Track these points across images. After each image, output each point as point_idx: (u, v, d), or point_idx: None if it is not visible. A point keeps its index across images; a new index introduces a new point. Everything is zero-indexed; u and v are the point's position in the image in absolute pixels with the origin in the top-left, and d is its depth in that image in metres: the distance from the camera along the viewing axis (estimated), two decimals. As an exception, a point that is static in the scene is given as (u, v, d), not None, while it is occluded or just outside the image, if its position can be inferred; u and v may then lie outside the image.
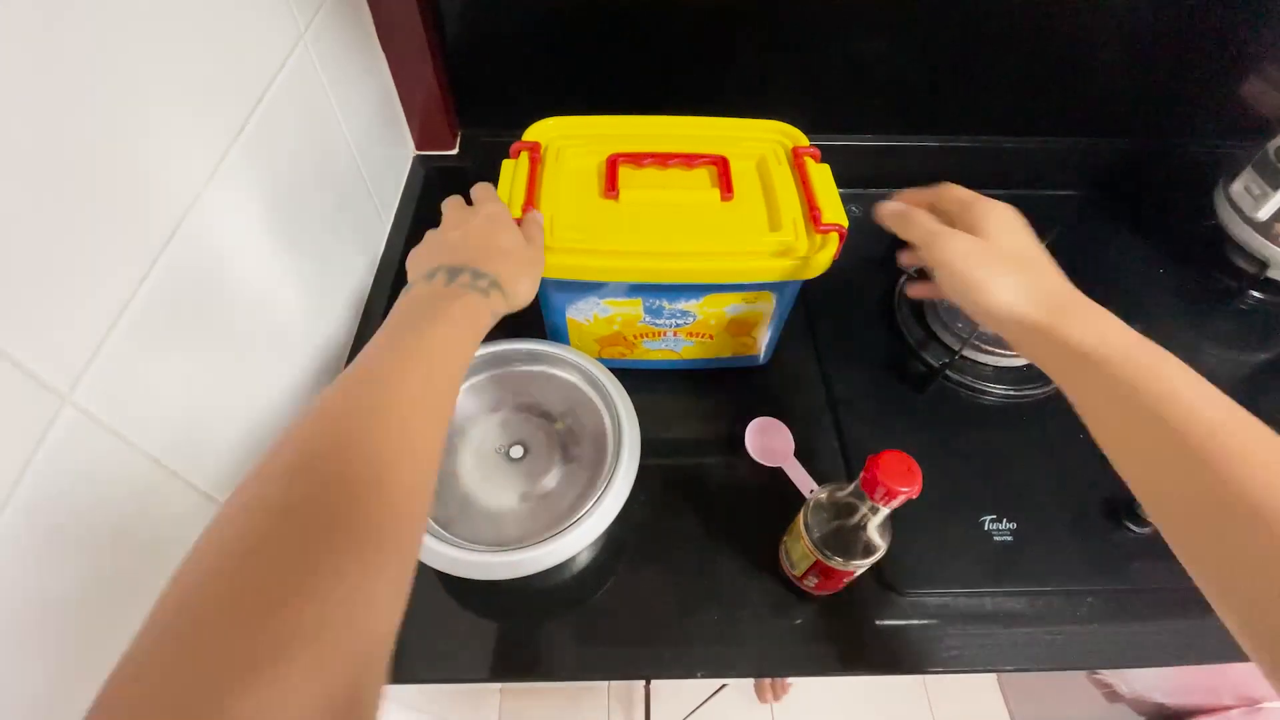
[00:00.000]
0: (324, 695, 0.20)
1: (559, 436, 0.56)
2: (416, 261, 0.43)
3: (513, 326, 0.66)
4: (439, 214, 0.46)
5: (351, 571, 0.23)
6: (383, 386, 0.31)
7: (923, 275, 0.48)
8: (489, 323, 0.39)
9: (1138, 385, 0.34)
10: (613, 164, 0.55)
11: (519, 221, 0.49)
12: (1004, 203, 0.43)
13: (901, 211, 0.46)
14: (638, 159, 0.56)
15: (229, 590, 0.22)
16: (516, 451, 0.55)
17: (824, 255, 0.51)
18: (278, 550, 0.23)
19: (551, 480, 0.53)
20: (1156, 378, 0.34)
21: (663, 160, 0.56)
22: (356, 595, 0.23)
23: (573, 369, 0.56)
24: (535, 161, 0.57)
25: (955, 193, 0.45)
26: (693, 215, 0.54)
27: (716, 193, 0.55)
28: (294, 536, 0.23)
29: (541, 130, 0.60)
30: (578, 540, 0.46)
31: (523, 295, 0.43)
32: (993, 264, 0.40)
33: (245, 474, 0.26)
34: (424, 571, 0.47)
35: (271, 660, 0.20)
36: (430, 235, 0.44)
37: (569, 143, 0.59)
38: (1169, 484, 0.33)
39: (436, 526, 0.48)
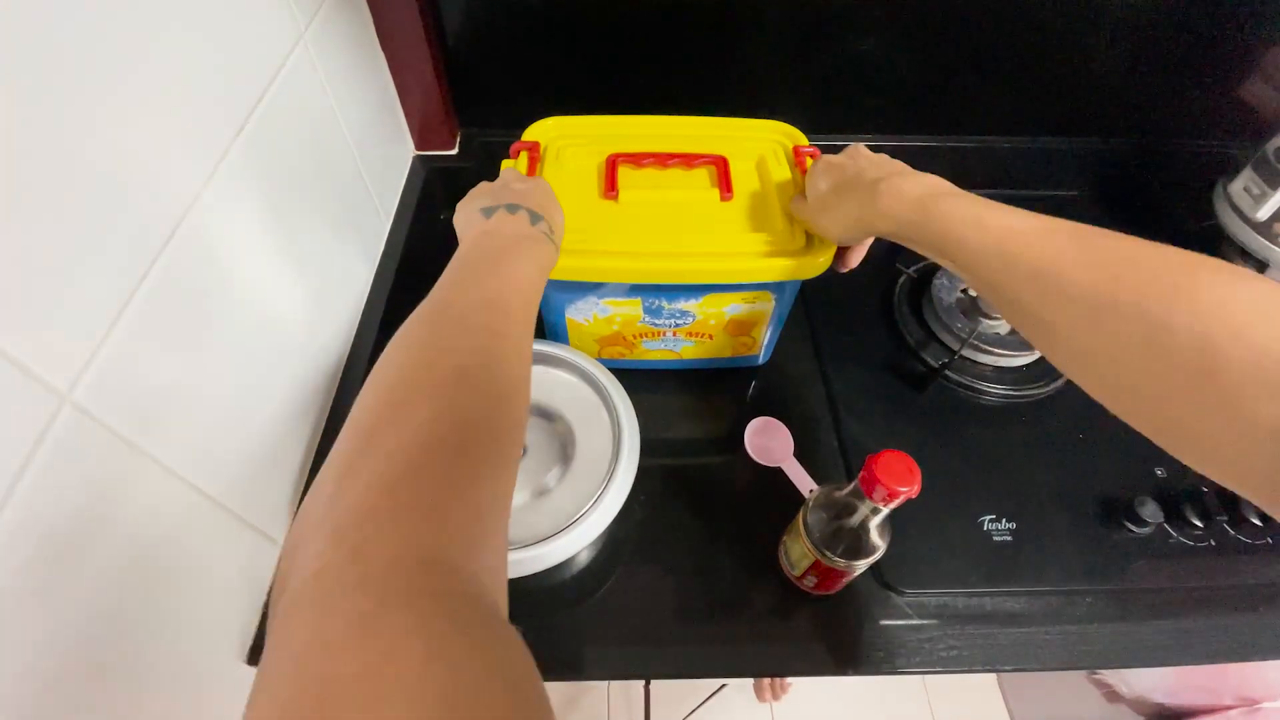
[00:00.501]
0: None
1: (559, 436, 0.56)
2: (470, 203, 0.44)
3: (512, 326, 0.66)
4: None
5: (501, 477, 0.28)
6: (501, 314, 0.34)
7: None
8: (547, 267, 0.42)
9: (950, 242, 0.38)
10: (612, 164, 0.55)
11: None
12: (818, 158, 0.52)
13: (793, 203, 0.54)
14: (637, 159, 0.56)
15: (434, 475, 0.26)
16: (531, 451, 0.55)
17: (823, 256, 0.51)
18: (451, 460, 0.26)
19: (551, 480, 0.53)
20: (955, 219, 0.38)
21: (662, 160, 0.56)
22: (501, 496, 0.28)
23: (572, 369, 0.56)
24: (534, 161, 0.57)
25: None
26: (692, 215, 0.54)
27: (716, 193, 0.55)
28: (461, 450, 0.27)
29: (541, 130, 0.60)
30: (578, 540, 0.46)
31: (556, 254, 0.45)
32: (818, 212, 0.49)
33: (394, 373, 0.30)
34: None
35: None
36: (482, 184, 0.47)
37: (569, 143, 0.59)
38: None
39: None
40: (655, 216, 0.54)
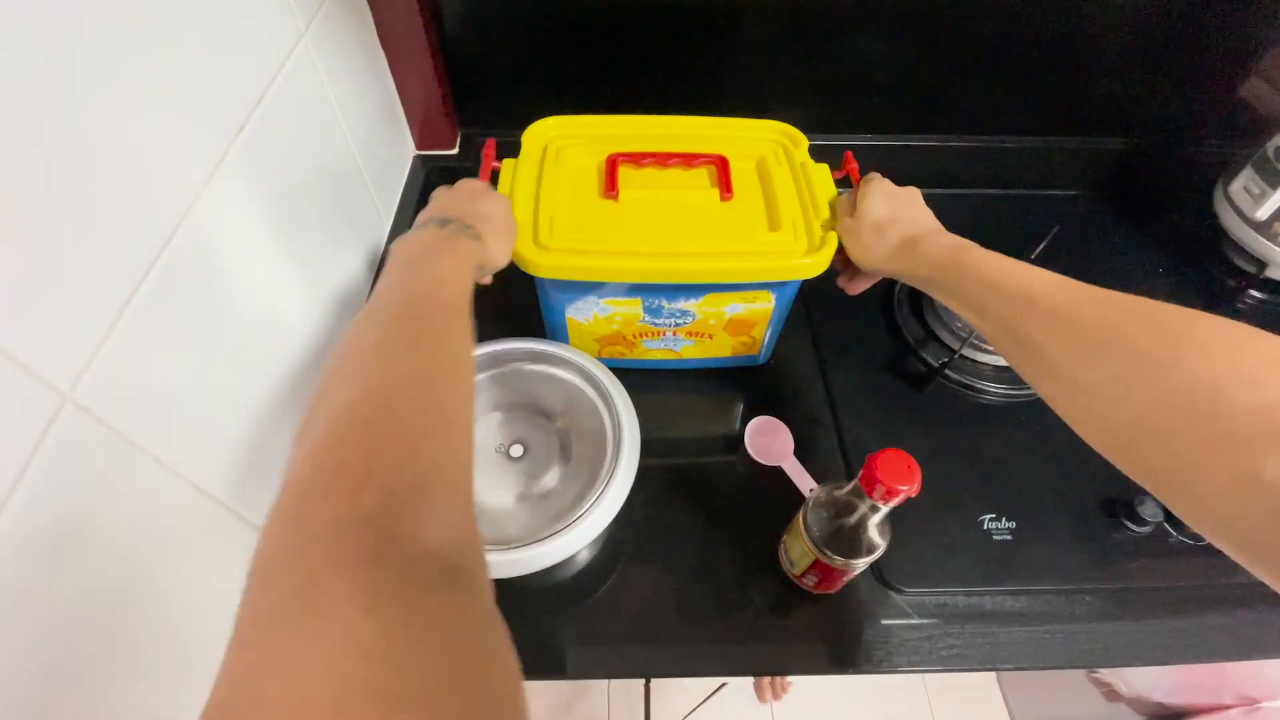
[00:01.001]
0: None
1: (559, 436, 0.56)
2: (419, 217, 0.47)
3: (512, 326, 0.66)
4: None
5: (448, 445, 0.29)
6: (422, 303, 0.36)
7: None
8: (476, 265, 0.43)
9: (989, 287, 0.40)
10: (612, 164, 0.55)
11: None
12: (875, 178, 0.53)
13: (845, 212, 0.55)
14: (637, 159, 0.56)
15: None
16: (516, 450, 0.55)
17: (823, 255, 0.51)
18: (385, 428, 0.27)
19: (551, 479, 0.53)
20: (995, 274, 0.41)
21: (662, 160, 0.56)
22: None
23: (572, 368, 0.56)
24: (487, 169, 0.57)
25: (842, 200, 0.56)
26: (692, 215, 0.54)
27: (716, 192, 0.55)
28: (394, 418, 0.28)
29: (541, 130, 0.60)
30: (578, 539, 0.46)
31: (500, 256, 0.47)
32: (860, 237, 0.50)
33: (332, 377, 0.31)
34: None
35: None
36: (438, 190, 0.50)
37: (569, 143, 0.59)
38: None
39: None
40: (655, 216, 0.54)
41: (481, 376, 0.57)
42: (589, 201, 0.55)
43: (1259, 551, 0.26)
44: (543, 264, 0.51)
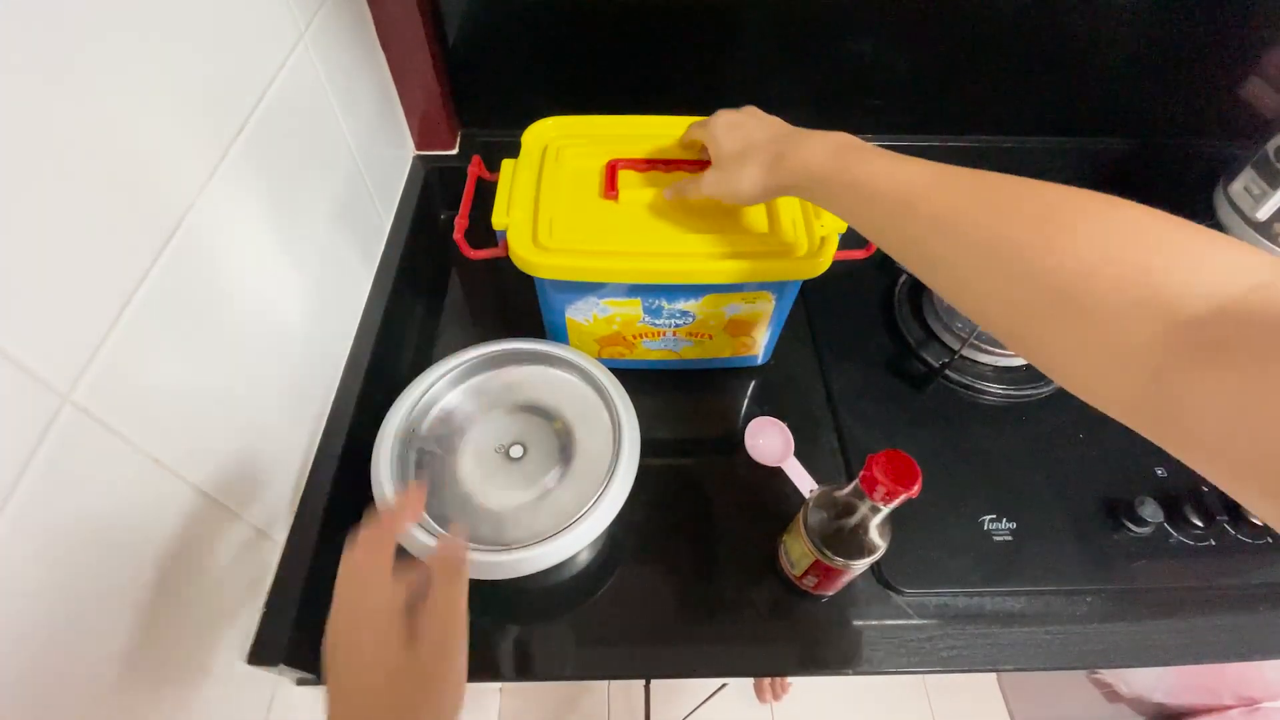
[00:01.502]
0: None
1: (559, 436, 0.56)
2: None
3: (512, 326, 0.66)
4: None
5: None
6: None
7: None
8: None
9: (874, 194, 0.39)
10: (612, 169, 0.55)
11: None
12: (717, 114, 0.51)
13: (680, 190, 0.54)
14: (638, 165, 0.56)
15: None
16: (516, 451, 0.55)
17: (823, 256, 0.51)
18: None
19: (551, 480, 0.53)
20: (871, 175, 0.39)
21: (666, 167, 0.56)
22: None
23: (572, 369, 0.56)
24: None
25: (689, 137, 0.55)
26: (692, 216, 0.54)
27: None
28: None
29: (541, 130, 0.60)
30: (578, 540, 0.46)
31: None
32: (730, 172, 0.48)
33: None
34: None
35: None
36: (333, 672, 0.32)
37: (569, 143, 0.59)
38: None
39: (435, 526, 0.48)
40: (655, 217, 0.54)
41: (482, 376, 0.57)
42: (589, 202, 0.55)
43: (1139, 418, 0.28)
44: (542, 264, 0.51)
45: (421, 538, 0.46)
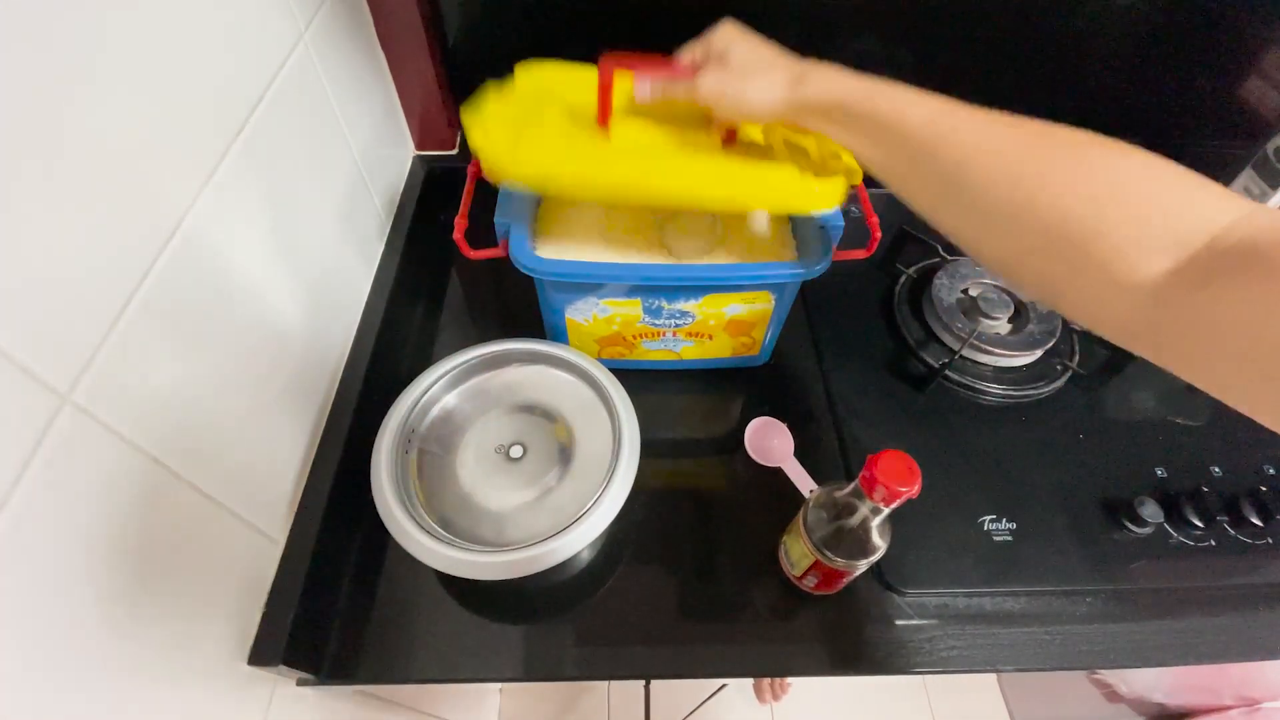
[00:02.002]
0: None
1: (558, 436, 0.56)
2: None
3: (512, 326, 0.66)
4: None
5: None
6: None
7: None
8: None
9: (889, 124, 0.40)
10: (607, 75, 0.47)
11: None
12: (723, 22, 0.48)
13: (658, 89, 0.49)
14: (635, 63, 0.48)
15: None
16: (516, 451, 0.55)
17: (833, 186, 0.47)
18: None
19: (551, 480, 0.53)
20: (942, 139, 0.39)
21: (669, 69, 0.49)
22: None
23: (572, 369, 0.56)
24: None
25: (690, 52, 0.50)
26: (691, 155, 0.50)
27: (718, 137, 0.52)
28: None
29: (539, 74, 0.54)
30: (578, 540, 0.46)
31: None
32: (738, 80, 0.45)
33: None
34: (424, 571, 0.47)
35: None
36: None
37: (568, 90, 0.53)
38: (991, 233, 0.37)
39: (436, 526, 0.48)
40: (650, 150, 0.50)
41: (482, 377, 0.57)
42: (579, 135, 0.50)
43: (1142, 341, 0.31)
44: (521, 174, 0.46)
45: (421, 538, 0.46)
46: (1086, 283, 0.32)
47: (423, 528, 0.47)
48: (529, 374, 0.58)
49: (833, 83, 0.42)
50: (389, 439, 0.51)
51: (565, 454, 0.55)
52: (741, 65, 0.45)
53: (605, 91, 0.48)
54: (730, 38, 0.47)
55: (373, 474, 0.49)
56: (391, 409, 0.53)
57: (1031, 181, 0.34)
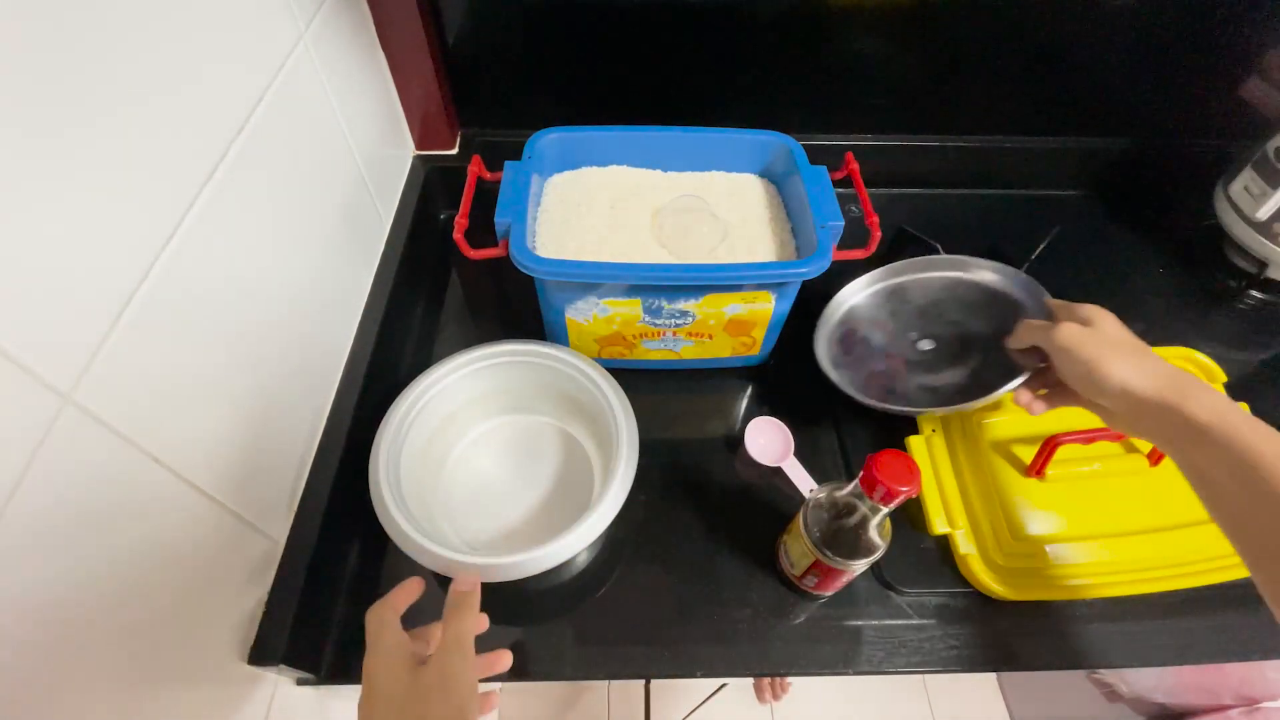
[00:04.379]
0: None
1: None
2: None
3: (512, 326, 0.66)
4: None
5: None
6: None
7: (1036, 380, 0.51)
8: None
9: (1258, 463, 0.36)
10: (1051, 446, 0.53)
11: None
12: (1098, 308, 0.47)
13: (1026, 326, 0.50)
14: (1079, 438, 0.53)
15: None
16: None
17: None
18: None
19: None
20: (1275, 454, 0.36)
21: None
22: None
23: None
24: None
25: (1054, 301, 0.52)
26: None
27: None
28: None
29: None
30: (577, 541, 0.46)
31: None
32: (1104, 346, 0.44)
33: None
34: (424, 572, 0.47)
35: None
36: (366, 685, 0.38)
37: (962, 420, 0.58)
38: None
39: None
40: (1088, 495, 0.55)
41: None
42: (1013, 482, 0.55)
43: None
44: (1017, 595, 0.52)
45: (420, 540, 0.46)
46: None
47: (421, 530, 0.46)
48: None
49: (1219, 410, 0.39)
50: (388, 441, 0.51)
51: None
52: (1115, 340, 0.44)
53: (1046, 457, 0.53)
54: (1103, 314, 0.46)
55: (370, 475, 0.49)
56: (390, 410, 0.53)
57: None
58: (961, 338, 0.59)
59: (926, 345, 0.59)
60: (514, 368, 0.57)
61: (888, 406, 0.56)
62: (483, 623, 0.42)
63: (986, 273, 0.59)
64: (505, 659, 0.45)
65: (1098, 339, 0.44)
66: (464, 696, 0.36)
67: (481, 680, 0.43)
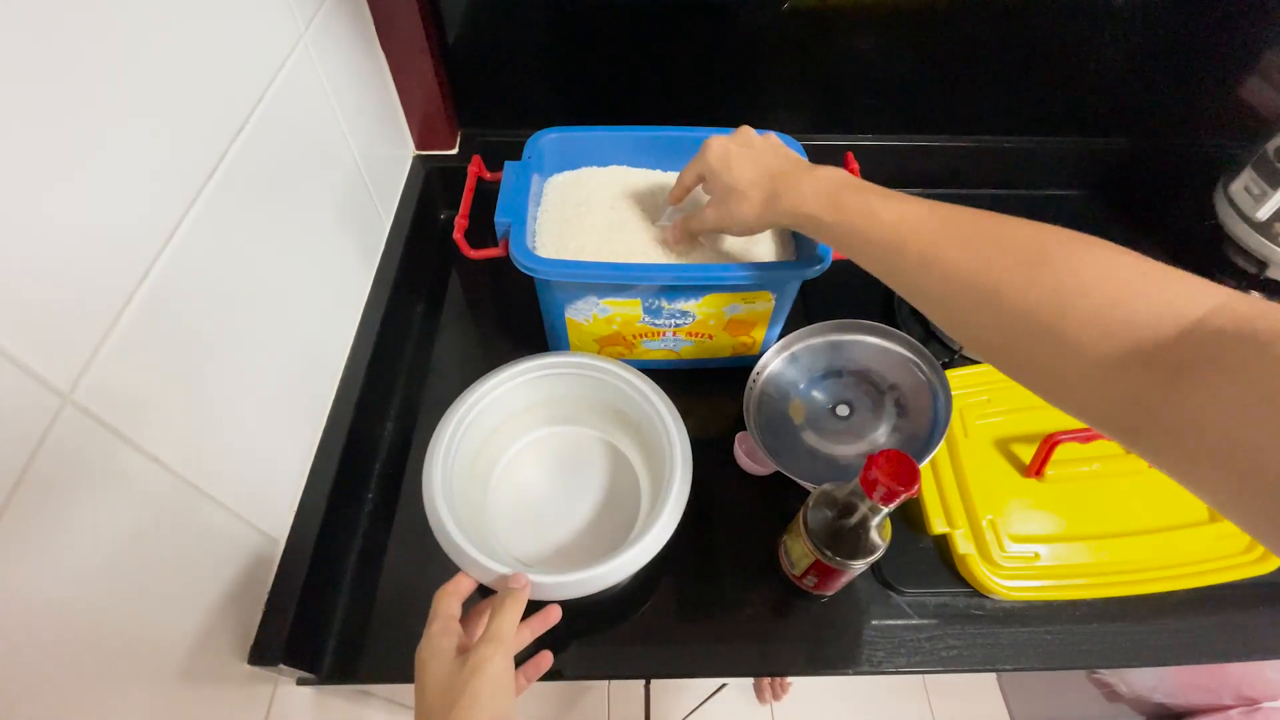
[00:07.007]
0: None
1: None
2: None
3: (512, 325, 0.65)
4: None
5: None
6: None
7: None
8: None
9: (903, 252, 0.40)
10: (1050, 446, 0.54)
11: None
12: (707, 143, 0.50)
13: (674, 233, 0.55)
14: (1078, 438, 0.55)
15: None
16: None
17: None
18: None
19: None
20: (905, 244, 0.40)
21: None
22: None
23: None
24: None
25: (683, 181, 0.54)
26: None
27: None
28: None
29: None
30: (641, 555, 0.45)
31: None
32: (728, 206, 0.49)
33: None
34: (424, 571, 0.47)
35: None
36: (419, 672, 0.40)
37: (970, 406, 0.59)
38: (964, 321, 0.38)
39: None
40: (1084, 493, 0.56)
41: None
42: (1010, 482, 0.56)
43: (1126, 437, 0.30)
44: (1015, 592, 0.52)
45: (485, 561, 0.45)
46: (1061, 373, 0.32)
47: (474, 543, 0.45)
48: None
49: (801, 199, 0.44)
50: (440, 453, 0.49)
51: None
52: (724, 192, 0.49)
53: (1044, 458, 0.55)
54: (711, 164, 0.49)
55: (425, 491, 0.47)
56: (441, 422, 0.51)
57: (993, 285, 0.34)
58: (870, 391, 0.60)
59: (843, 411, 0.59)
60: (560, 379, 0.56)
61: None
62: (554, 613, 0.46)
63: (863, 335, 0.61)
64: (545, 660, 0.47)
65: (723, 207, 0.49)
66: (496, 688, 0.38)
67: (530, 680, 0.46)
